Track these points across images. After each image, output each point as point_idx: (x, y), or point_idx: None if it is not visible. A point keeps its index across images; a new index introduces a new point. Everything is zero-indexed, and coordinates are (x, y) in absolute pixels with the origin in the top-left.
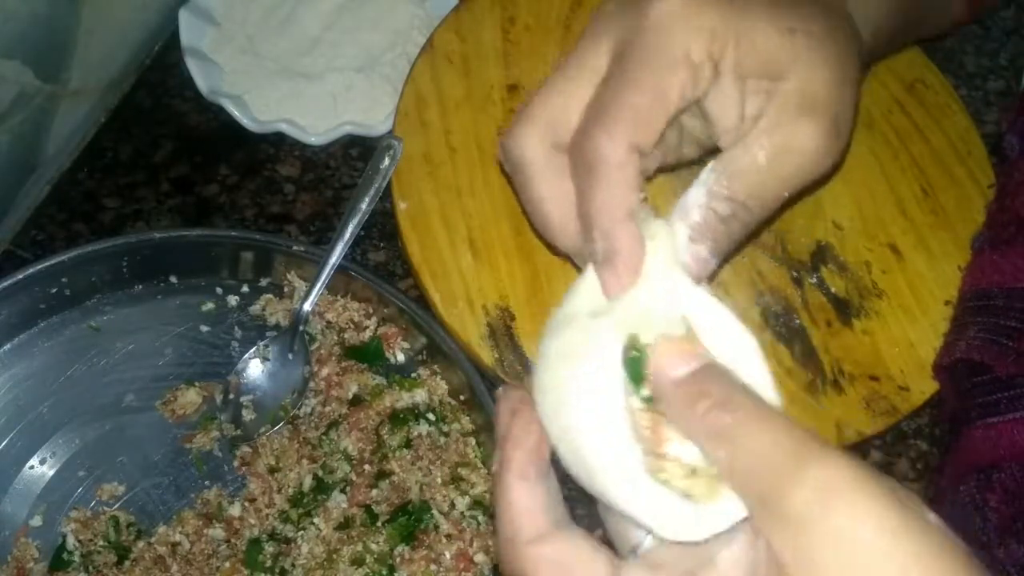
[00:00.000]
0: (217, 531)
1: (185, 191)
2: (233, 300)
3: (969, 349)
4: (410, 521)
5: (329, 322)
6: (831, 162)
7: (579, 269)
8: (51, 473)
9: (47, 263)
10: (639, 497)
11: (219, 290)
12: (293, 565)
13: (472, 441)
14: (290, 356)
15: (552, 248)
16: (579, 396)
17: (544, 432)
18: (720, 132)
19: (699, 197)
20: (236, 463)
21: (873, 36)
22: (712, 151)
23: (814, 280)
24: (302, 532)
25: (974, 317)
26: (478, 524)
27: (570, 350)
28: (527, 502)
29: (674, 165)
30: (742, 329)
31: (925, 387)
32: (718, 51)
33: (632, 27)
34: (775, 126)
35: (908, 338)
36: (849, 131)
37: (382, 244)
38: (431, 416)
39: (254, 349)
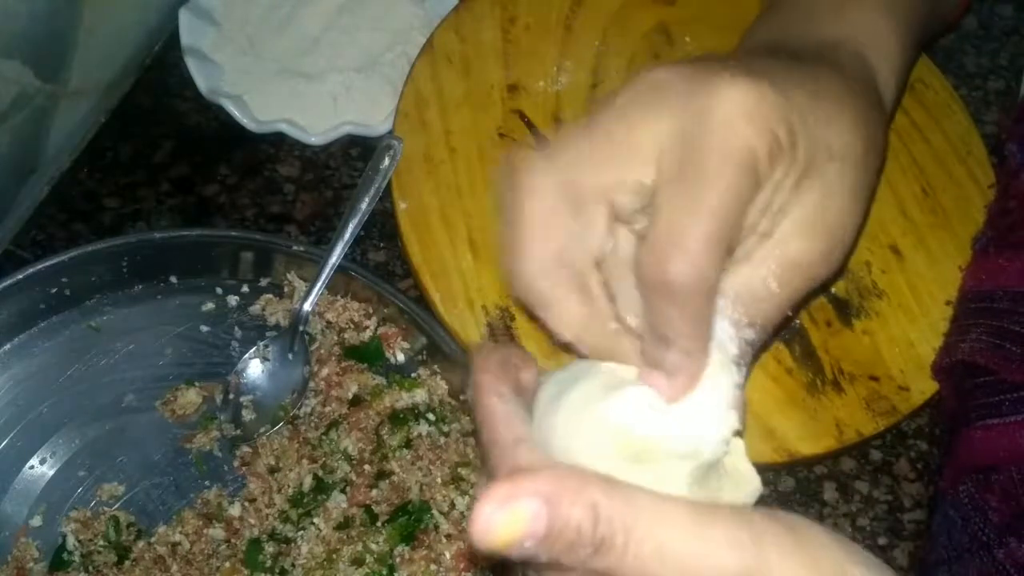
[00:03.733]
0: (217, 531)
1: (185, 191)
2: (233, 300)
3: (973, 352)
4: (410, 521)
5: (329, 322)
6: (829, 277)
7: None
8: (51, 473)
9: (47, 263)
10: None
11: (219, 290)
12: (293, 565)
13: (472, 441)
14: (290, 356)
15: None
16: None
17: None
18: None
19: (727, 329)
20: (236, 463)
21: (899, 83)
22: None
23: None
24: (302, 532)
25: (976, 319)
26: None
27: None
28: (505, 412)
29: None
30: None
31: (925, 387)
32: (775, 163)
33: (695, 119)
34: (784, 247)
35: (908, 338)
36: (851, 247)
37: (382, 244)
38: (431, 416)
39: (254, 349)
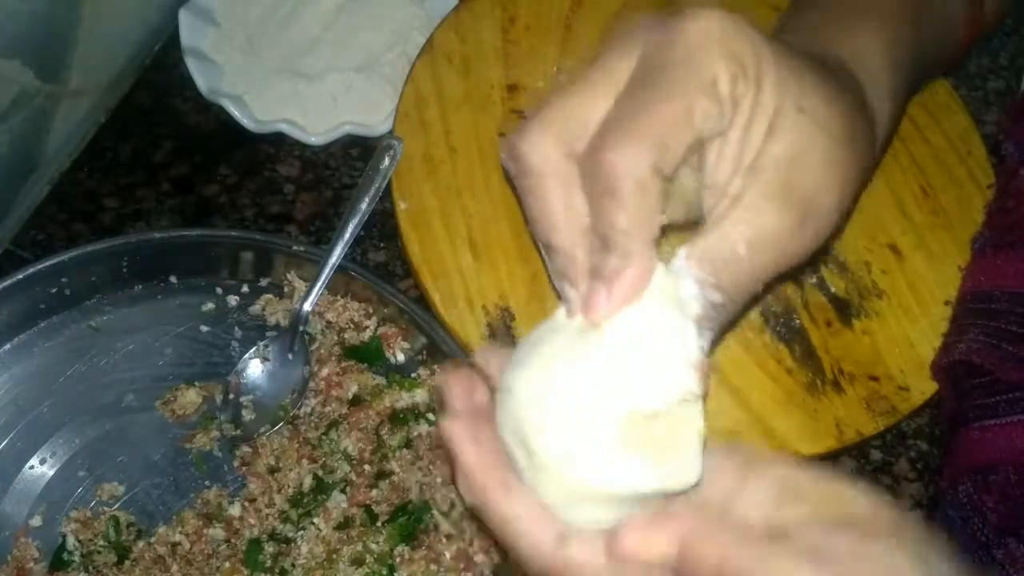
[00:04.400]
0: (217, 531)
1: (185, 191)
2: (233, 300)
3: (970, 352)
4: (410, 521)
5: (329, 322)
6: (801, 255)
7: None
8: (51, 473)
9: (47, 263)
10: (617, 471)
11: (219, 290)
12: (293, 565)
13: None
14: (290, 356)
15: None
16: (569, 393)
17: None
18: (708, 187)
19: (691, 288)
20: (236, 463)
21: (891, 111)
22: (691, 226)
23: (814, 280)
24: (302, 532)
25: (974, 319)
26: (478, 524)
27: (557, 352)
28: (526, 509)
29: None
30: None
31: (925, 387)
32: (740, 91)
33: (662, 41)
34: (754, 213)
35: (908, 338)
36: (826, 230)
37: (382, 244)
38: (431, 416)
39: (254, 349)
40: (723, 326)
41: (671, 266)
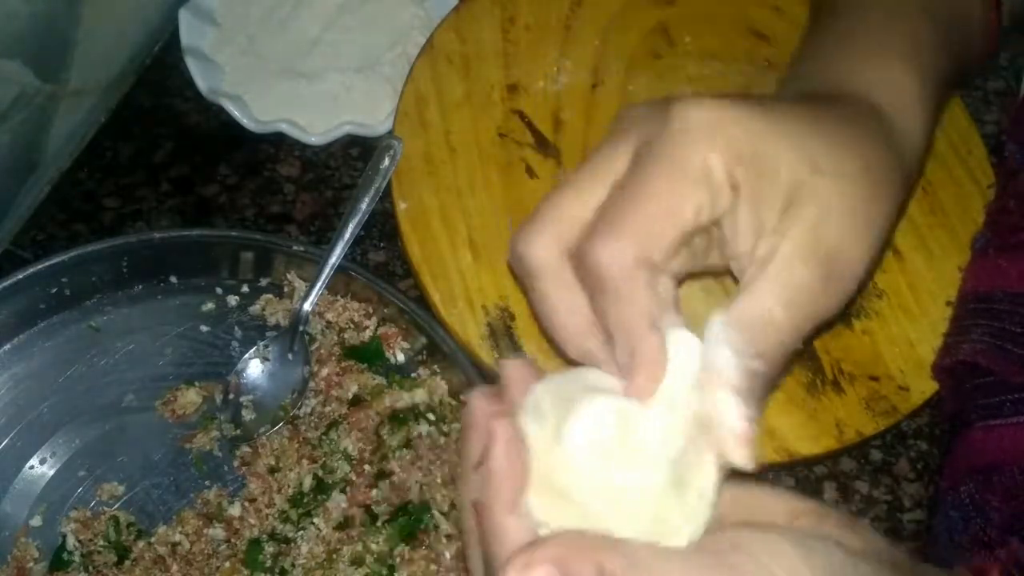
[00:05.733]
0: (217, 531)
1: (185, 191)
2: (233, 300)
3: (975, 353)
4: (410, 521)
5: (329, 322)
6: (835, 308)
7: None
8: (51, 473)
9: (47, 263)
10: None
11: (219, 290)
12: (293, 565)
13: None
14: (290, 356)
15: (561, 353)
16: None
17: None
18: (731, 255)
19: (728, 358)
20: (236, 463)
21: (925, 131)
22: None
23: None
24: (302, 532)
25: (977, 320)
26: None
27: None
28: (520, 537)
29: (701, 271)
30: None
31: (925, 387)
32: (740, 176)
33: (655, 131)
34: (785, 274)
35: (908, 338)
36: (858, 278)
37: (382, 244)
38: (431, 416)
39: (254, 349)
40: (766, 391)
41: (706, 336)
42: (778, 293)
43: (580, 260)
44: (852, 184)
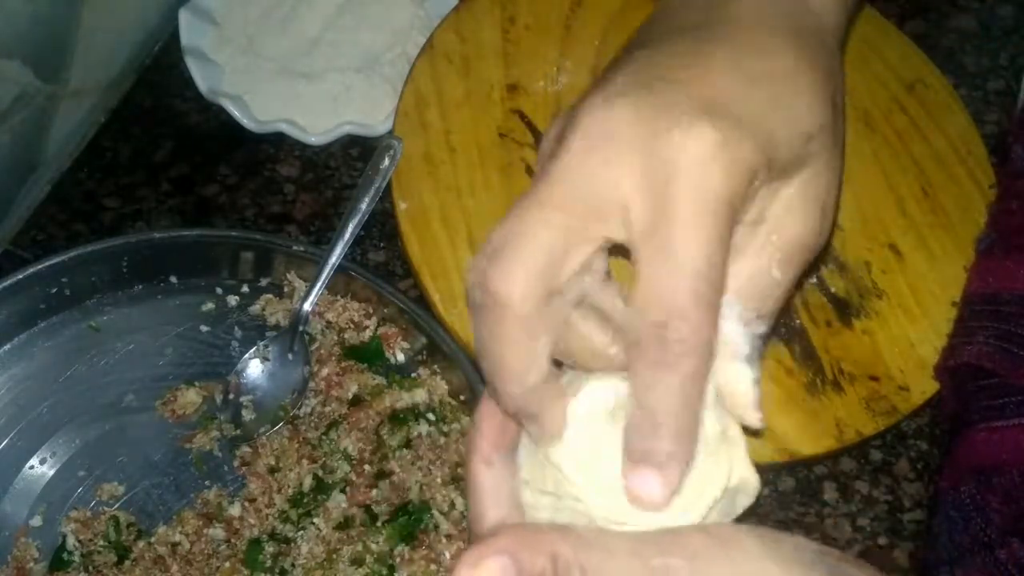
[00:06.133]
0: (217, 531)
1: (185, 191)
2: (233, 300)
3: (979, 355)
4: (410, 521)
5: (329, 322)
6: (822, 246)
7: None
8: (51, 473)
9: (47, 263)
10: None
11: (219, 290)
12: (293, 565)
13: None
14: (290, 356)
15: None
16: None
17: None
18: None
19: (737, 330)
20: (236, 463)
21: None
22: None
23: (814, 280)
24: (302, 532)
25: (982, 321)
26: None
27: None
28: (491, 485)
29: None
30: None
31: (925, 387)
32: (753, 188)
33: (661, 172)
34: (779, 233)
35: (908, 338)
36: (835, 208)
37: (382, 244)
38: (431, 416)
39: (254, 349)
40: (765, 346)
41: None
42: (774, 254)
43: (645, 341)
44: (834, 143)
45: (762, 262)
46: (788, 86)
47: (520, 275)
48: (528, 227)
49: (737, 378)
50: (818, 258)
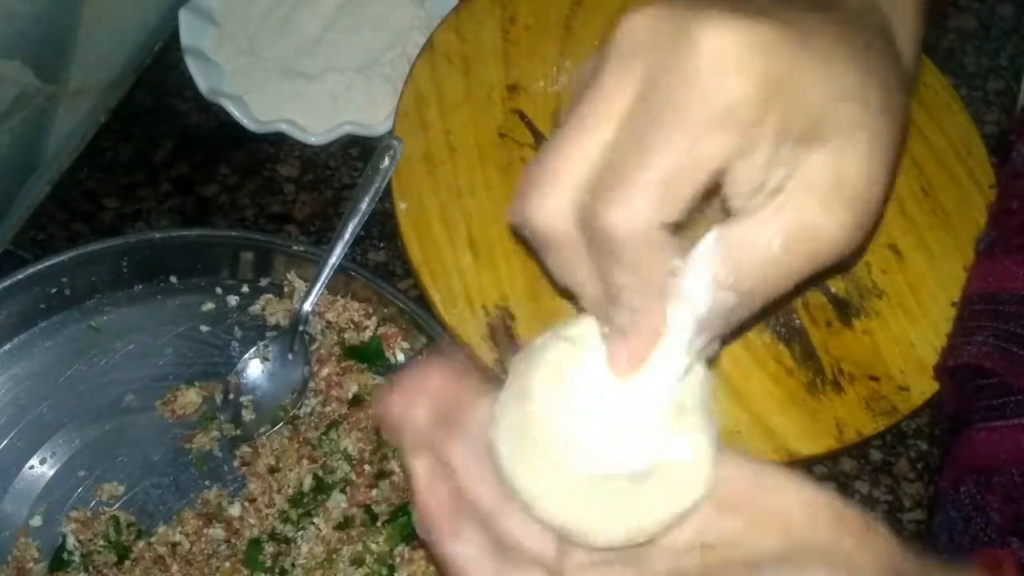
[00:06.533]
0: (217, 531)
1: (185, 191)
2: (233, 300)
3: (979, 355)
4: (410, 521)
5: (329, 322)
6: (849, 253)
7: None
8: (51, 473)
9: (47, 263)
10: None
11: (219, 290)
12: (293, 565)
13: None
14: (290, 356)
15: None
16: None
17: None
18: (733, 193)
19: (702, 284)
20: (236, 463)
21: (916, 47)
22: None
23: None
24: (302, 532)
25: (982, 321)
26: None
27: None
28: (468, 558)
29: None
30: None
31: (925, 387)
32: (769, 109)
33: (668, 63)
34: (795, 208)
35: (908, 338)
36: (875, 221)
37: (382, 244)
38: None
39: (254, 349)
40: (733, 327)
41: (693, 253)
42: (781, 227)
43: (587, 222)
44: (874, 117)
45: (765, 231)
46: (834, 38)
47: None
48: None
49: (673, 318)
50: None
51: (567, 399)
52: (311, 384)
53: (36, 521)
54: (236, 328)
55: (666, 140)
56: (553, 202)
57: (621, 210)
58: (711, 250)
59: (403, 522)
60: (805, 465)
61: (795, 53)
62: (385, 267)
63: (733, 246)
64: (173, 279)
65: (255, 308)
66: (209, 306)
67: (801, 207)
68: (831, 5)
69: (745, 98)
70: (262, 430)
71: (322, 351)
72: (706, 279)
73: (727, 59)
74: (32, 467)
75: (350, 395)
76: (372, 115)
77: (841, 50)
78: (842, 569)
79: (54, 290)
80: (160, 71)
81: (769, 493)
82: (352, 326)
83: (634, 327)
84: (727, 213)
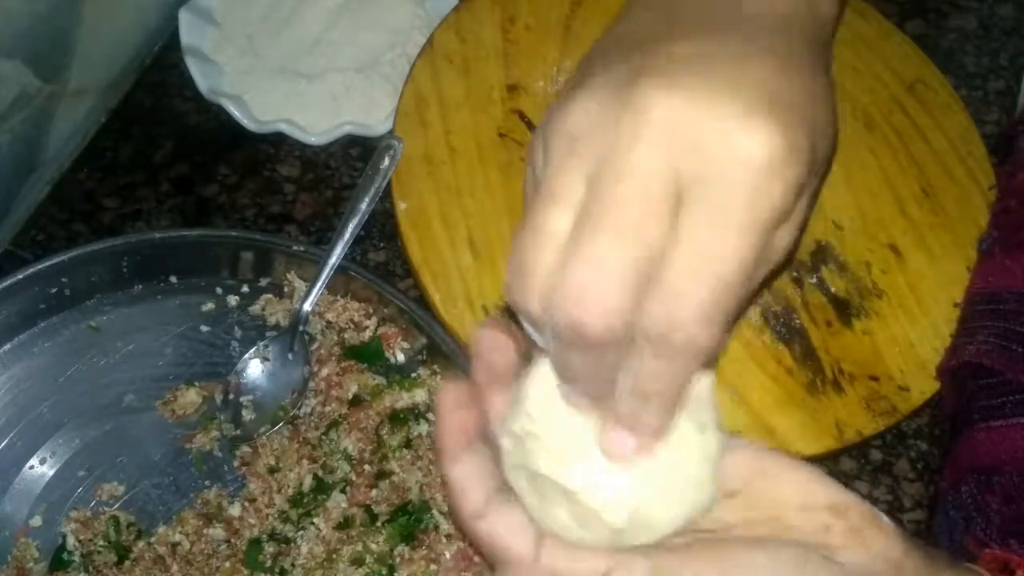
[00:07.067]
0: (217, 531)
1: (185, 191)
2: (233, 300)
3: (979, 354)
4: (410, 521)
5: (329, 322)
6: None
7: None
8: (51, 473)
9: (47, 263)
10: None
11: (219, 290)
12: (293, 565)
13: None
14: (290, 356)
15: None
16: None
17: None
18: None
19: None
20: (236, 463)
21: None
22: None
23: (814, 280)
24: (302, 532)
25: (982, 321)
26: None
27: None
28: (463, 480)
29: None
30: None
31: (925, 387)
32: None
33: (722, 157)
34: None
35: (908, 338)
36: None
37: (382, 244)
38: (431, 416)
39: (254, 349)
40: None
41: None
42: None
43: (552, 313)
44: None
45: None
46: (819, 84)
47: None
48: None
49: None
50: (819, 258)
51: (566, 421)
52: (311, 384)
53: (36, 521)
54: (236, 328)
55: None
56: (534, 296)
57: (585, 310)
58: None
59: (403, 522)
60: None
61: (811, 135)
62: (385, 267)
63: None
64: (173, 279)
65: (255, 308)
66: (209, 306)
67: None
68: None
69: (789, 196)
70: (262, 430)
71: (322, 351)
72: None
73: (779, 170)
74: (32, 467)
75: (350, 395)
76: (372, 115)
77: (826, 85)
78: (817, 557)
79: (54, 290)
80: (160, 71)
81: (767, 480)
82: (352, 326)
83: (657, 427)
84: None
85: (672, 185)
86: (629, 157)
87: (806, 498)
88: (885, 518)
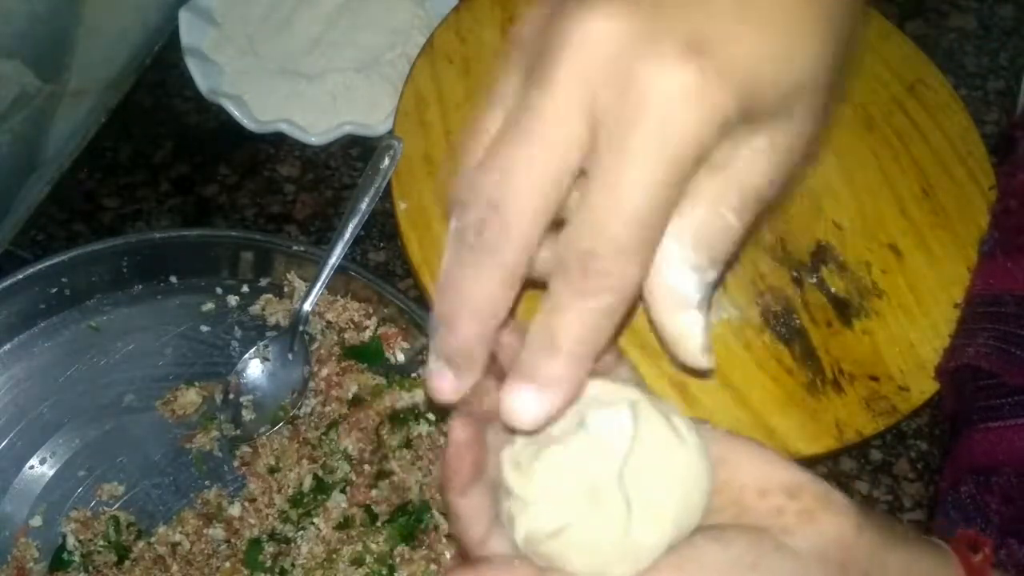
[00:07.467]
0: (217, 531)
1: (185, 191)
2: (233, 300)
3: (978, 356)
4: (410, 521)
5: (329, 322)
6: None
7: None
8: (51, 473)
9: (47, 263)
10: None
11: (219, 290)
12: (293, 565)
13: None
14: (290, 356)
15: None
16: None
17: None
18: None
19: (690, 279)
20: (236, 463)
21: None
22: None
23: (814, 280)
24: (302, 532)
25: (982, 323)
26: None
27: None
28: (469, 515)
29: None
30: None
31: (925, 387)
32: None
33: (634, 97)
34: (741, 181)
35: (908, 338)
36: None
37: (382, 244)
38: (431, 416)
39: (254, 349)
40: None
41: (665, 258)
42: (730, 200)
43: (571, 254)
44: (816, 92)
45: (719, 209)
46: (788, 28)
47: (537, 196)
48: (534, 149)
49: (689, 325)
50: (819, 258)
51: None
52: (311, 384)
53: (36, 521)
54: (236, 328)
55: (635, 197)
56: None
57: (613, 261)
58: (676, 249)
59: (403, 522)
60: (805, 465)
61: (747, 79)
62: (385, 267)
63: (700, 235)
64: (173, 279)
65: (255, 308)
66: (209, 306)
67: (746, 178)
68: None
69: (708, 133)
70: (262, 430)
71: (322, 351)
72: (688, 272)
73: (686, 96)
74: (32, 467)
75: (350, 395)
76: (372, 115)
77: (803, 31)
78: (771, 547)
79: (54, 290)
80: (160, 71)
81: (727, 467)
82: (352, 326)
83: (566, 382)
84: None
85: (587, 107)
86: (550, 70)
87: (764, 481)
88: (840, 495)
